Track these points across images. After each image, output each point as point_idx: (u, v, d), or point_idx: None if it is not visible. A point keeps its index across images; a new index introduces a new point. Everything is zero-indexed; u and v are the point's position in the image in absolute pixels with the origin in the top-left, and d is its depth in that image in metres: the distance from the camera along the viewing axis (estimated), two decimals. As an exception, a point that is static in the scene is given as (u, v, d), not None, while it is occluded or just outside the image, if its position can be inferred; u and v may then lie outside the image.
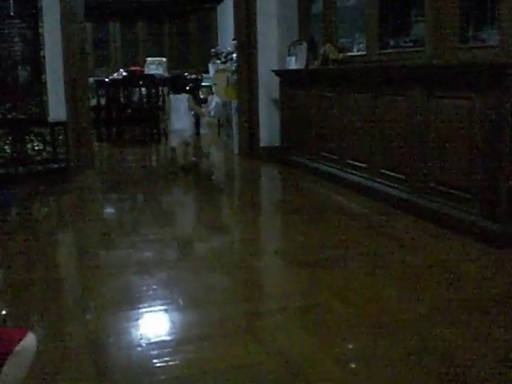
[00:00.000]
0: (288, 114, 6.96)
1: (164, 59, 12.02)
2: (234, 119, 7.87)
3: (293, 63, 6.88)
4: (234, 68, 8.12)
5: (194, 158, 7.08)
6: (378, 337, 2.58)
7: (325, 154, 6.04)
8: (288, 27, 7.20)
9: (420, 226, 4.26)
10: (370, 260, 3.65)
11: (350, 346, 2.56)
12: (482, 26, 4.34)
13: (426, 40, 4.76)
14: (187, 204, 5.81)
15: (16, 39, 6.11)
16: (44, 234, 4.59)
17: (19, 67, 6.16)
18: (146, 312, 2.92)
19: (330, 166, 5.90)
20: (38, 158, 6.24)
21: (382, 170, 4.93)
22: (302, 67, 6.74)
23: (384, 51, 5.45)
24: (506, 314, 2.78)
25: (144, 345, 2.54)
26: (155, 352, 2.46)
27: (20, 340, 1.68)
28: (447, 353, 2.40)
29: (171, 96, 6.99)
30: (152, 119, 10.12)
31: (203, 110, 8.73)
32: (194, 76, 10.80)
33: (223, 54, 10.28)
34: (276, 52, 7.25)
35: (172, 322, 2.82)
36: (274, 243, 4.37)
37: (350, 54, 6.15)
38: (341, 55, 6.13)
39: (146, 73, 10.85)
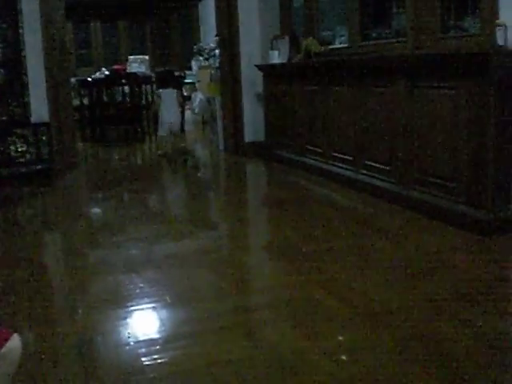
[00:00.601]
0: (272, 108, 6.94)
1: (146, 57, 11.94)
2: (219, 116, 7.84)
3: (275, 57, 6.86)
4: (217, 64, 8.10)
5: (183, 145, 7.56)
6: (367, 328, 2.58)
7: (310, 148, 6.03)
8: (270, 22, 7.18)
9: (407, 216, 4.26)
10: (358, 252, 3.65)
11: (340, 338, 2.55)
12: (463, 15, 4.35)
13: (408, 31, 4.76)
14: (173, 201, 5.78)
15: (-4, 40, 6.06)
16: (29, 235, 4.54)
17: (0, 69, 6.10)
18: (134, 310, 2.90)
19: (315, 160, 5.90)
20: (22, 159, 6.18)
21: (368, 162, 4.93)
22: (285, 61, 6.73)
23: (366, 43, 5.45)
24: (494, 302, 2.79)
25: (132, 343, 2.52)
26: (143, 350, 2.45)
27: (5, 342, 1.66)
28: (437, 342, 2.40)
29: (161, 90, 7.59)
30: (136, 118, 10.07)
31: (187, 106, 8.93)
32: (177, 73, 10.75)
33: (206, 51, 10.23)
34: (258, 47, 7.22)
35: (160, 319, 2.80)
36: (260, 238, 4.37)
37: (332, 46, 6.15)
38: (323, 48, 6.13)
39: (128, 71, 10.78)
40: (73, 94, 8.81)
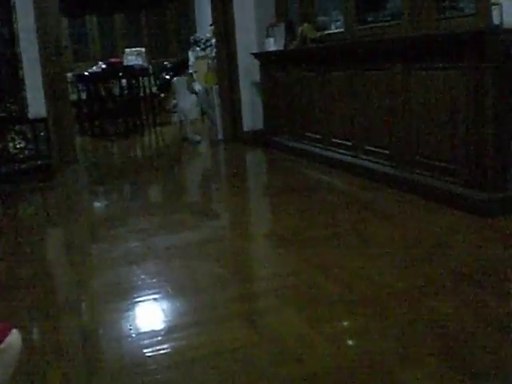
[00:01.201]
0: (270, 96, 6.92)
1: (143, 49, 11.91)
2: (217, 105, 7.82)
3: (271, 45, 6.83)
4: (214, 54, 8.07)
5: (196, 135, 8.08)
6: (370, 312, 2.57)
7: (309, 134, 6.01)
8: (265, 9, 7.15)
9: (407, 199, 4.24)
10: (359, 236, 3.64)
11: (344, 324, 2.55)
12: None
13: (403, 13, 4.73)
14: (173, 192, 5.76)
15: (-9, 37, 6.03)
16: (31, 230, 4.53)
17: (-4, 65, 6.08)
18: (136, 302, 2.90)
19: (314, 146, 5.87)
20: (21, 155, 6.16)
21: (367, 147, 4.91)
22: (281, 48, 6.70)
23: (362, 27, 5.41)
24: (496, 282, 2.78)
25: (134, 335, 2.52)
26: (146, 341, 2.44)
27: (5, 337, 1.65)
28: (440, 323, 2.39)
29: (175, 79, 8.52)
30: (134, 111, 10.05)
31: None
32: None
33: (202, 41, 10.22)
34: (254, 35, 7.18)
35: (162, 310, 2.80)
36: (261, 225, 4.35)
37: (328, 32, 6.11)
38: (319, 34, 6.09)
39: (125, 64, 10.75)
40: (70, 88, 8.80)
